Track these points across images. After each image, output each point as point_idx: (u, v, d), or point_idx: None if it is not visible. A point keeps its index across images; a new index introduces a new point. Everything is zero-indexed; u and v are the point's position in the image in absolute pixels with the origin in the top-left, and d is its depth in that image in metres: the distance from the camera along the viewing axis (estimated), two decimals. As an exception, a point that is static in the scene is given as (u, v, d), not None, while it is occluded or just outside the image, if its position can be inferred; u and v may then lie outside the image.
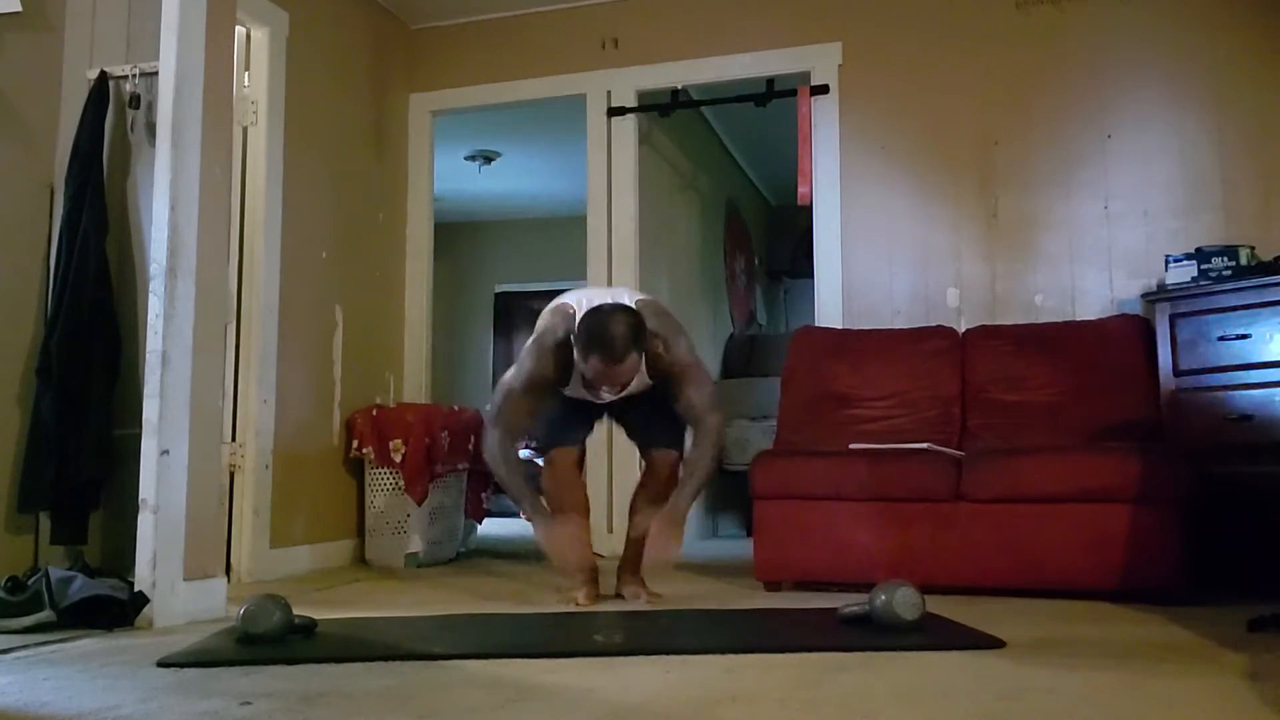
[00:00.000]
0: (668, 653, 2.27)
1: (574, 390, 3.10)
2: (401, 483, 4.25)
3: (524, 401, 3.00)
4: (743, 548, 4.19)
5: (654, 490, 3.20)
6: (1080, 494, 3.12)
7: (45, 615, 2.62)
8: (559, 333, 2.95)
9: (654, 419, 3.23)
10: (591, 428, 3.35)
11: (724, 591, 3.45)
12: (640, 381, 2.99)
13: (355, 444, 4.35)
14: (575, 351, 2.85)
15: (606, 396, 3.01)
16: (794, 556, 3.39)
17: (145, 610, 2.72)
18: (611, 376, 2.81)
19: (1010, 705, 1.81)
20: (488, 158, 6.95)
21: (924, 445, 3.43)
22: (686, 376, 3.00)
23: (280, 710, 1.79)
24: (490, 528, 5.38)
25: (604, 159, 4.78)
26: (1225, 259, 3.41)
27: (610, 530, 4.52)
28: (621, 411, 3.30)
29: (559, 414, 3.23)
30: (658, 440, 3.24)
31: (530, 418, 3.07)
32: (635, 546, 3.15)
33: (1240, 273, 3.35)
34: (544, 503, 3.10)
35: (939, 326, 4.04)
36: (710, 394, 3.04)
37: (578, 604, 3.06)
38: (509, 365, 3.17)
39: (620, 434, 3.61)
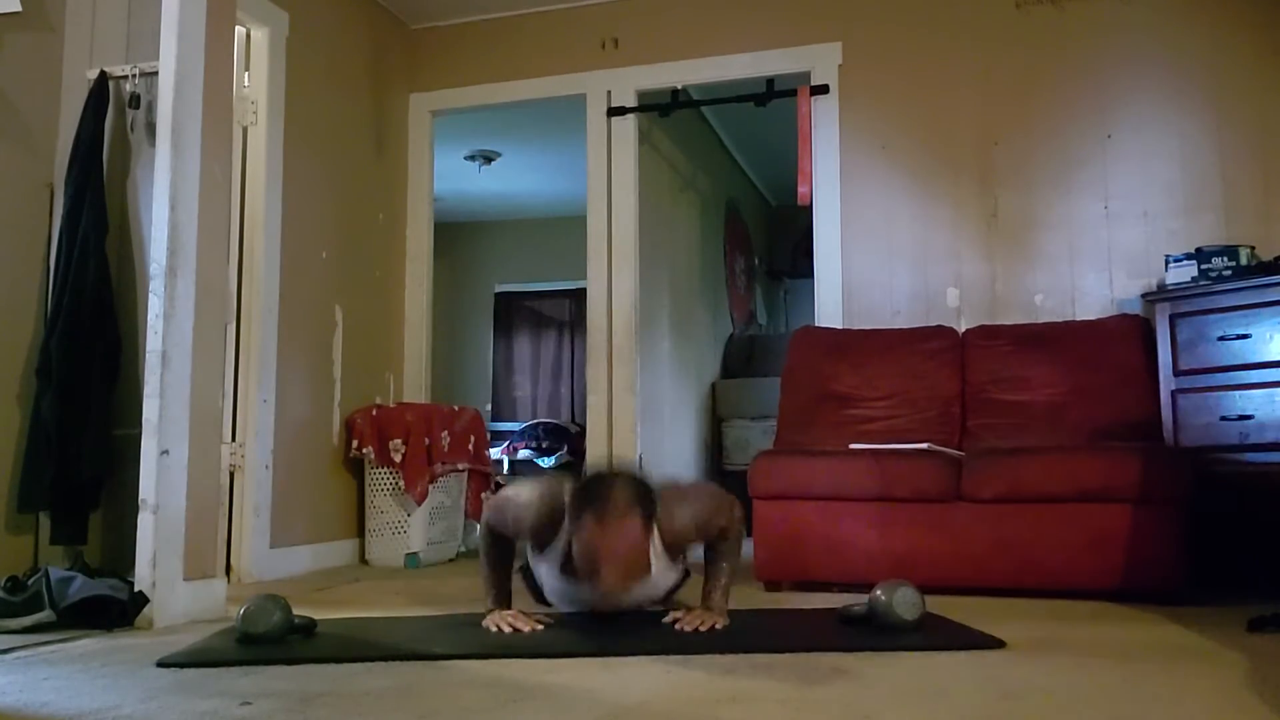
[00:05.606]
0: (668, 653, 2.27)
1: (555, 583, 2.61)
2: (401, 483, 4.25)
3: (506, 542, 2.60)
4: (743, 548, 4.18)
5: None
6: (1080, 494, 3.12)
7: (45, 615, 2.62)
8: (561, 496, 2.43)
9: None
10: None
11: (724, 591, 3.44)
12: (657, 567, 2.51)
13: (355, 444, 4.35)
14: (568, 517, 2.33)
15: (601, 603, 2.49)
16: (794, 556, 3.39)
17: (145, 610, 2.72)
18: (608, 548, 2.25)
19: (1010, 705, 1.81)
20: (488, 158, 6.94)
21: (924, 445, 3.44)
22: (710, 524, 2.57)
23: (280, 710, 1.79)
24: (490, 528, 5.37)
25: (604, 159, 4.78)
26: (1225, 259, 3.41)
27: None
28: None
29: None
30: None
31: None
32: None
33: (1240, 273, 3.35)
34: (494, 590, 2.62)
35: (939, 326, 4.04)
36: (729, 512, 2.64)
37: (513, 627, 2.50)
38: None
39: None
